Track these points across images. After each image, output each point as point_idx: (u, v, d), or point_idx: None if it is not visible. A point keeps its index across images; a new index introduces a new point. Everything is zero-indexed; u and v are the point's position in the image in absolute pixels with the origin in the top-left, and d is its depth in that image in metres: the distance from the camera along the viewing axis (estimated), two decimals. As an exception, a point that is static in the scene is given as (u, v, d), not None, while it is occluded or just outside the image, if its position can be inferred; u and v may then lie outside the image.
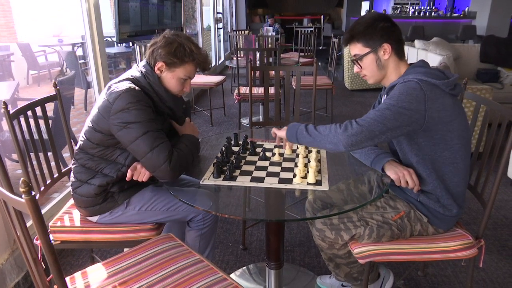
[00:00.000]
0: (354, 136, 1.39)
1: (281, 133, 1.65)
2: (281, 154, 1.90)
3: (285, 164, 1.79)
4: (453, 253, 1.63)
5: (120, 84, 1.58)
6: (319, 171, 1.71)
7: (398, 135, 1.45)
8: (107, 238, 1.72)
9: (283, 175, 1.68)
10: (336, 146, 1.42)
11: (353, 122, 1.41)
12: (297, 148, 2.03)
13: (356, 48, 1.61)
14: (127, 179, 1.63)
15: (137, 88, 1.57)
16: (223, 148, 1.85)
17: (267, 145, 2.05)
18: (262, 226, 2.78)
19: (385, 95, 1.66)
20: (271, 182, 1.60)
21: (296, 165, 1.77)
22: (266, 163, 1.80)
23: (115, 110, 1.50)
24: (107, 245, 1.75)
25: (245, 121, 5.33)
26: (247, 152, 1.90)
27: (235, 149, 1.95)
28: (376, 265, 2.00)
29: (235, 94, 4.55)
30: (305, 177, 1.63)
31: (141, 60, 1.81)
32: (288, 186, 1.58)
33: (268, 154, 1.92)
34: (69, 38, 7.76)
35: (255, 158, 1.86)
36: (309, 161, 1.79)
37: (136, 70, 1.68)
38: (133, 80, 1.62)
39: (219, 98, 6.35)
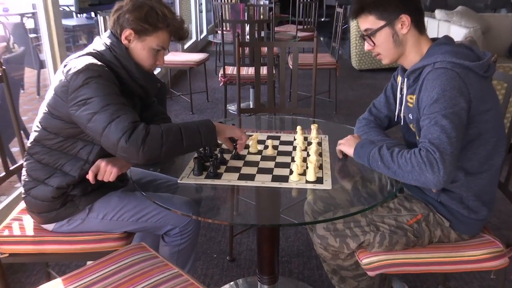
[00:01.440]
0: (447, 175, 1.41)
1: (347, 149, 1.69)
2: (275, 147, 1.91)
3: (280, 159, 1.82)
4: (480, 263, 1.63)
5: (79, 60, 1.57)
6: (320, 167, 1.73)
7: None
8: (66, 250, 1.72)
9: (278, 171, 1.70)
10: (425, 185, 1.46)
11: (435, 154, 1.41)
12: (294, 139, 2.04)
13: (368, 22, 1.62)
14: (90, 180, 1.63)
15: (99, 63, 1.57)
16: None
17: (259, 136, 2.06)
18: (253, 233, 2.80)
19: (405, 79, 1.67)
20: (263, 180, 1.62)
21: (293, 160, 1.78)
22: (257, 158, 1.83)
23: (73, 88, 1.50)
24: (66, 258, 1.76)
25: (232, 107, 5.35)
26: (235, 144, 1.89)
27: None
28: (389, 278, 2.02)
29: (220, 75, 4.58)
30: (304, 173, 1.65)
31: (105, 33, 1.78)
32: (284, 184, 1.60)
33: (259, 147, 1.94)
34: (17, 6, 7.67)
35: (244, 152, 1.89)
36: (308, 155, 1.81)
37: (99, 43, 1.67)
38: (95, 55, 1.62)
39: (201, 81, 6.35)
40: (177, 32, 1.69)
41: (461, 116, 1.45)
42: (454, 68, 1.46)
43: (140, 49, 1.65)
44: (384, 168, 1.52)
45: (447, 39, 1.60)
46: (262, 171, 1.71)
